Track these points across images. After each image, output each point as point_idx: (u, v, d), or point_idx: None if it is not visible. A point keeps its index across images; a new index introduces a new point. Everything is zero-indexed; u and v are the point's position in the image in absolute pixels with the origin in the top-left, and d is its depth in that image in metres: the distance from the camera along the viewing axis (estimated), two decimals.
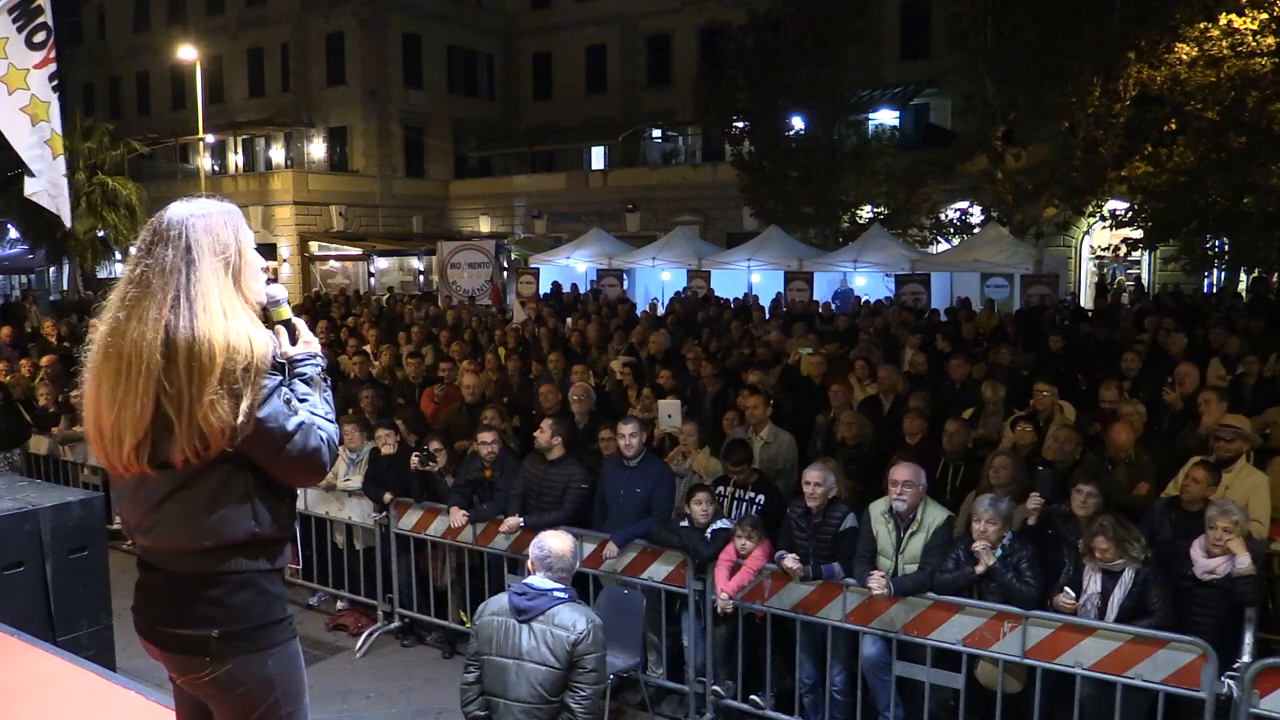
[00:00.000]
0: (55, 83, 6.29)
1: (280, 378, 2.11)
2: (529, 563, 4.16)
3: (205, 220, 2.10)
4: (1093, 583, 4.70)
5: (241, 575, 2.13)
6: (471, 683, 4.04)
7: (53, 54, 6.24)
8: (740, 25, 24.24)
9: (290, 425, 2.07)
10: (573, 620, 3.90)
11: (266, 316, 2.21)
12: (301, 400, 2.14)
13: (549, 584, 4.02)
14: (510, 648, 3.93)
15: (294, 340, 2.22)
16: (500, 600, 4.11)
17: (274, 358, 2.09)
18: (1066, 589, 4.67)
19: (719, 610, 5.48)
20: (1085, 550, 4.75)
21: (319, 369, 2.24)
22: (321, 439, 2.13)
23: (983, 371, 8.87)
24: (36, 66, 6.17)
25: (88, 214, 25.56)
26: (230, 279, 2.10)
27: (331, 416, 2.22)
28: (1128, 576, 4.61)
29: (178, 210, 2.12)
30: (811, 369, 9.39)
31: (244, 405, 1.98)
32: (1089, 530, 4.78)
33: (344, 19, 33.50)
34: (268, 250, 29.44)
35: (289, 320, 2.23)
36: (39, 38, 6.15)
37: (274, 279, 2.28)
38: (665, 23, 33.46)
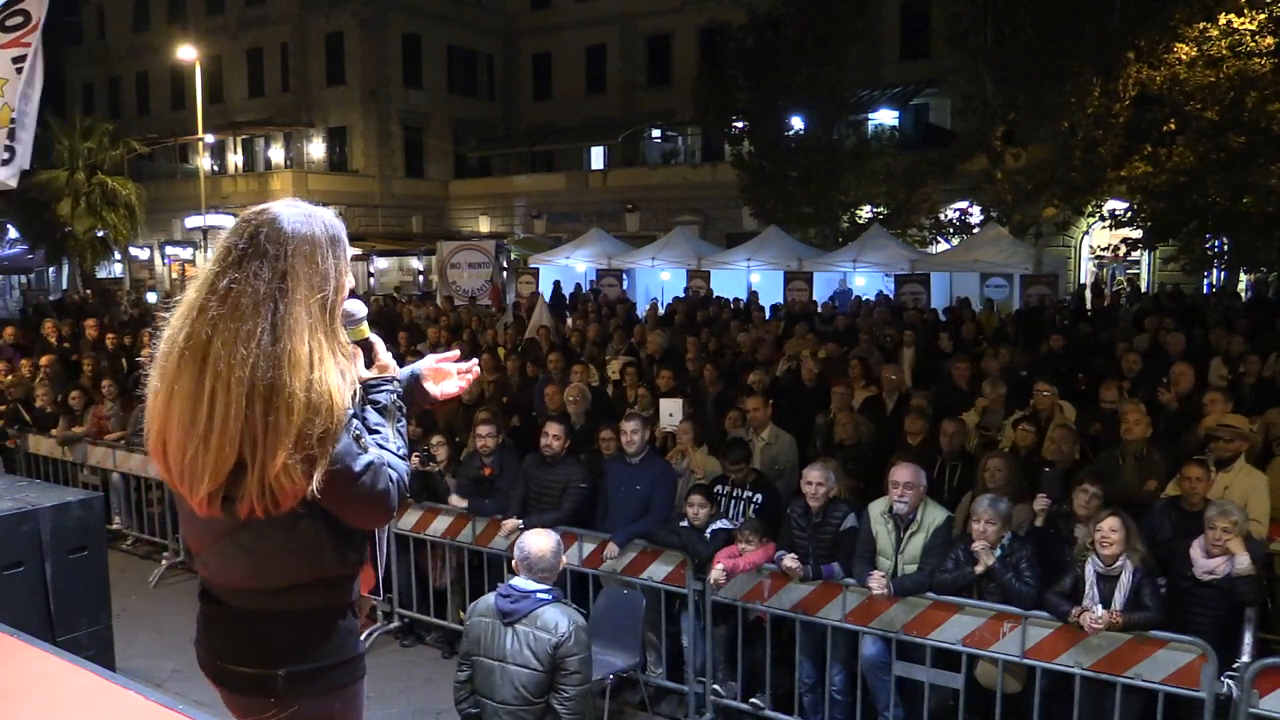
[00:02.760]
0: (20, 66, 6.27)
1: (352, 410, 1.88)
2: (514, 563, 4.16)
3: (309, 246, 1.86)
4: (1092, 588, 4.67)
5: (308, 613, 1.97)
6: (464, 681, 4.07)
7: (27, 39, 6.23)
8: (740, 25, 24.25)
9: (358, 466, 1.85)
10: (555, 622, 3.90)
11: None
12: (373, 432, 1.93)
13: (532, 585, 4.01)
14: (496, 649, 3.95)
15: (369, 363, 2.01)
16: (488, 601, 4.13)
17: (351, 409, 1.88)
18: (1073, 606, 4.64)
19: (712, 581, 5.42)
20: (1087, 542, 4.73)
21: (394, 397, 2.01)
22: (391, 480, 1.91)
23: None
24: (2, 47, 6.19)
25: (87, 214, 25.58)
26: (324, 317, 1.86)
27: (404, 452, 1.99)
28: (1125, 579, 4.60)
29: (279, 219, 1.86)
30: (808, 372, 9.38)
31: (318, 473, 1.79)
32: (1095, 519, 4.76)
33: (344, 19, 33.52)
34: None
35: (367, 339, 2.01)
36: (13, 22, 6.17)
37: (353, 292, 2.04)
38: (665, 23, 33.47)
